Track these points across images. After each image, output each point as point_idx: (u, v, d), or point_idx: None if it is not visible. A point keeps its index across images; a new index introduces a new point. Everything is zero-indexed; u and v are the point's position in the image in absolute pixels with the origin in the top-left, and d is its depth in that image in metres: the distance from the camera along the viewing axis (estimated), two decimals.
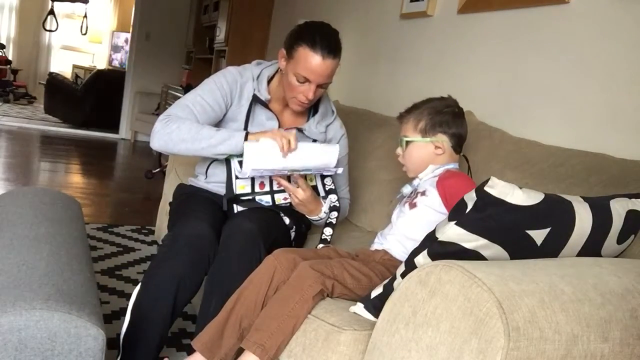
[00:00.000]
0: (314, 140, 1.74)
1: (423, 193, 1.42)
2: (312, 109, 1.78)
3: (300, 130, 1.71)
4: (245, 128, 1.68)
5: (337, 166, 1.59)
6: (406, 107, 1.53)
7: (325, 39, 1.54)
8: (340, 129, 1.83)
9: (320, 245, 1.61)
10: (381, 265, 1.39)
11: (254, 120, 1.70)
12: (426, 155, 1.47)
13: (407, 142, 1.49)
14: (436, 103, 1.49)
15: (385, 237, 1.48)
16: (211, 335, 1.32)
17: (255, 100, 1.68)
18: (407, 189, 1.50)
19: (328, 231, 1.64)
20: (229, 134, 1.55)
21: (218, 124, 1.70)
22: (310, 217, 1.67)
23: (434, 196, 1.39)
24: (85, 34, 6.68)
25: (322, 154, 1.57)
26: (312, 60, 1.53)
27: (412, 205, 1.43)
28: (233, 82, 1.68)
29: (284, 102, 1.71)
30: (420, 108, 1.49)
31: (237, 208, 1.66)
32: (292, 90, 1.61)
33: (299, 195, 1.59)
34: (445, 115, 1.45)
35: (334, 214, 1.68)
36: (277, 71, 1.73)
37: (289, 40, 1.60)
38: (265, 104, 1.69)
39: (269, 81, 1.72)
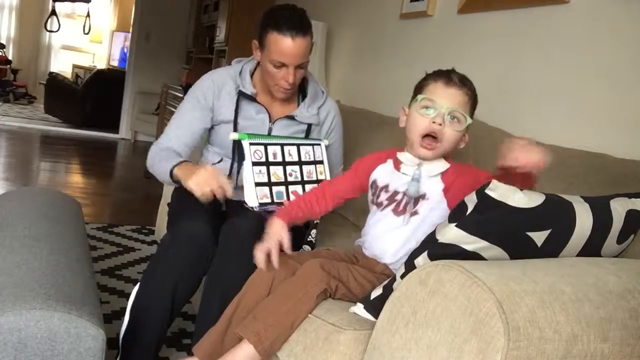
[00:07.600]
0: (309, 126, 1.75)
1: (423, 197, 1.30)
2: (300, 93, 1.79)
3: (291, 117, 1.72)
4: (235, 124, 1.69)
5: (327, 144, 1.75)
6: (456, 72, 1.26)
7: (290, 19, 1.54)
8: (332, 109, 1.83)
9: (307, 247, 1.61)
10: (385, 276, 1.36)
11: (242, 115, 1.71)
12: (456, 142, 1.29)
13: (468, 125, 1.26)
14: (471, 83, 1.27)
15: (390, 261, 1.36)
16: (212, 342, 1.31)
17: (242, 95, 1.69)
18: (413, 188, 1.30)
19: (314, 233, 1.65)
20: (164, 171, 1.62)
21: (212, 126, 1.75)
22: None
23: (439, 197, 1.29)
24: (87, 33, 6.66)
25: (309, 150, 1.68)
26: (282, 43, 1.54)
27: (414, 214, 1.31)
28: (208, 86, 1.70)
29: (271, 93, 1.71)
30: (468, 85, 1.25)
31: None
32: (273, 78, 1.62)
33: None
34: (476, 102, 1.30)
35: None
36: (257, 64, 1.75)
37: (258, 30, 1.61)
38: (253, 98, 1.70)
39: (252, 75, 1.73)
